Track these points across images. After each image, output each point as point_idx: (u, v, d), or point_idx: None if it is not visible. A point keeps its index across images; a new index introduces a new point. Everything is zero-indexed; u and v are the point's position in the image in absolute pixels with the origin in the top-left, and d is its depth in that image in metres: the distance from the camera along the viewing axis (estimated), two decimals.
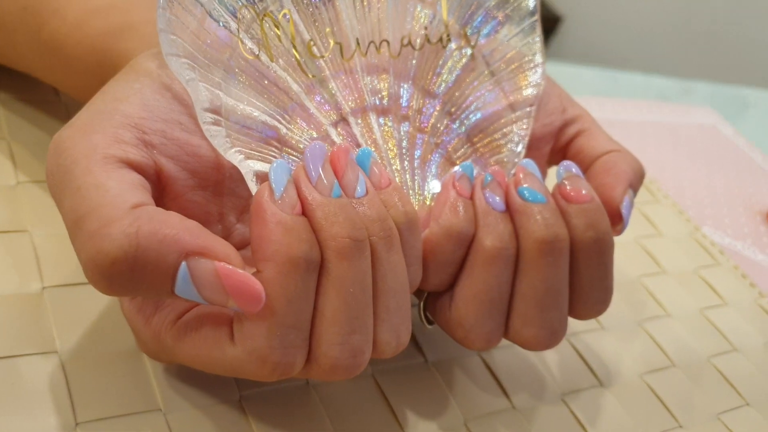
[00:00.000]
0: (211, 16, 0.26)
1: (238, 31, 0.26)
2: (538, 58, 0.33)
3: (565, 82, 0.66)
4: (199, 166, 0.25)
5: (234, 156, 0.25)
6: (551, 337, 0.28)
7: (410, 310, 0.26)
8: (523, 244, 0.28)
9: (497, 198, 0.28)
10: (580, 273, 0.29)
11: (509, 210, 0.28)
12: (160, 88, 0.24)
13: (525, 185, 0.28)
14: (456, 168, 0.29)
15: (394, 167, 0.30)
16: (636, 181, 0.32)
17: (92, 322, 0.28)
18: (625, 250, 0.45)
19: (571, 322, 0.37)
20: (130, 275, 0.21)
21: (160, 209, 0.22)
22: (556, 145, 0.34)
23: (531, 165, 0.29)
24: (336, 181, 0.24)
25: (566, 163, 0.29)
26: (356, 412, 0.29)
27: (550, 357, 0.36)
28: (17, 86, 0.36)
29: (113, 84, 0.24)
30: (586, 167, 0.32)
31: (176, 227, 0.21)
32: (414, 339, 0.33)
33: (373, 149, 0.29)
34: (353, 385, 0.30)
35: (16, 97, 0.36)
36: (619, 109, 0.62)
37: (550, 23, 1.82)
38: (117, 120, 0.23)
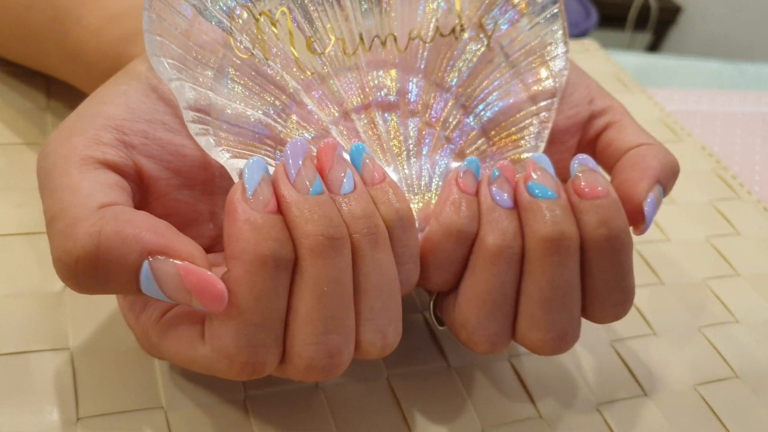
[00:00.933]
0: (203, 15, 0.26)
1: (231, 30, 0.26)
2: (561, 48, 0.31)
3: (686, 75, 0.63)
4: (183, 165, 0.25)
5: (220, 154, 0.25)
6: (559, 341, 0.27)
7: (400, 310, 0.25)
8: (528, 243, 0.26)
9: (504, 194, 0.27)
10: (593, 273, 0.27)
11: (517, 207, 0.27)
12: (147, 89, 0.25)
13: (535, 180, 0.27)
14: (462, 163, 0.28)
15: (399, 164, 0.29)
16: (666, 176, 0.29)
17: (107, 321, 0.29)
18: (690, 250, 0.42)
19: (617, 326, 0.35)
20: (95, 273, 0.21)
21: (127, 209, 0.22)
22: (583, 138, 0.32)
23: (543, 159, 0.27)
24: (318, 177, 0.24)
25: (581, 156, 0.28)
26: (365, 417, 0.29)
27: (589, 363, 0.34)
28: (67, 94, 0.38)
29: (103, 87, 0.25)
30: (614, 161, 0.30)
31: (139, 226, 0.21)
32: (437, 343, 0.32)
33: (376, 146, 0.29)
34: (366, 389, 0.30)
35: (66, 105, 0.38)
36: (747, 100, 0.58)
37: (669, 14, 1.73)
38: (99, 122, 0.23)
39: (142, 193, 0.24)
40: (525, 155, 0.30)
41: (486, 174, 0.27)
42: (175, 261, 0.21)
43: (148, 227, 0.21)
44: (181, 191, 0.25)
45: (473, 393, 0.31)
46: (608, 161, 0.31)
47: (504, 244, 0.26)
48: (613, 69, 0.57)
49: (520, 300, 0.27)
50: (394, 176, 0.29)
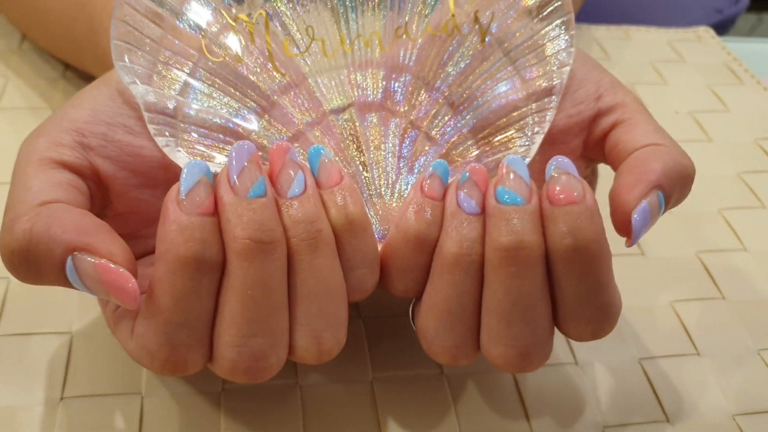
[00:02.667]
0: (178, 20, 0.27)
1: (203, 35, 0.27)
2: (565, 42, 0.29)
3: None
4: (142, 165, 0.26)
5: (177, 155, 0.26)
6: (522, 358, 0.25)
7: (342, 316, 0.25)
8: (487, 252, 0.24)
9: (472, 199, 0.25)
10: (562, 287, 0.25)
11: (484, 213, 0.25)
12: (115, 93, 0.26)
13: (505, 185, 0.25)
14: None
15: (376, 166, 0.28)
16: (671, 182, 0.26)
17: None
18: (763, 260, 0.37)
19: (651, 342, 0.32)
20: (27, 265, 0.23)
21: (65, 207, 0.23)
22: (589, 138, 0.29)
23: (516, 162, 0.25)
24: (261, 180, 0.24)
25: (558, 158, 0.25)
26: (336, 420, 0.28)
27: (607, 381, 0.31)
28: None
29: (80, 92, 0.27)
30: (619, 164, 0.28)
31: (67, 224, 0.22)
32: None
33: (354, 147, 0.28)
34: (345, 390, 0.29)
35: None
36: None
37: None
38: (62, 125, 0.25)
39: (103, 191, 0.26)
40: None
41: (456, 178, 0.26)
42: (93, 258, 0.22)
43: (74, 225, 0.23)
44: (142, 190, 0.26)
45: (461, 404, 0.29)
46: (614, 164, 0.28)
47: (461, 251, 0.25)
48: (726, 59, 0.52)
49: (481, 312, 0.25)
50: (363, 178, 0.28)
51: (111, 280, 0.22)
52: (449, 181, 0.26)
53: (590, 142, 0.29)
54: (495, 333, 0.25)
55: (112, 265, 0.22)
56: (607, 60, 0.50)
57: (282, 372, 0.29)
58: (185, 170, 0.23)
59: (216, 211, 0.23)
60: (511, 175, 0.25)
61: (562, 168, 0.25)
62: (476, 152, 0.29)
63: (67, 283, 0.23)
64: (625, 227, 0.26)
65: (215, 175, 0.24)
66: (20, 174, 0.24)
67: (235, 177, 0.23)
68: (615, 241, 0.36)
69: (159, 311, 0.23)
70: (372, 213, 0.28)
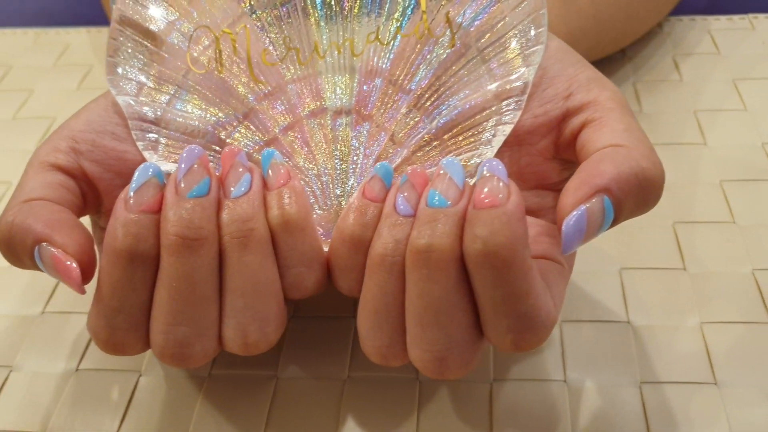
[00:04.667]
0: (169, 36, 0.30)
1: (188, 50, 0.30)
2: (539, 37, 0.27)
3: None
4: (125, 168, 0.29)
5: (152, 158, 0.29)
6: (438, 363, 0.24)
7: (271, 311, 0.26)
8: (406, 254, 0.24)
9: (408, 202, 0.25)
10: (478, 293, 0.24)
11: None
12: (108, 105, 0.29)
13: (435, 187, 0.25)
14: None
15: (342, 169, 0.29)
16: (624, 187, 0.24)
17: None
18: None
19: (660, 365, 0.30)
20: (9, 251, 0.27)
21: (44, 203, 0.27)
22: (560, 139, 0.27)
23: (450, 164, 0.25)
24: (204, 181, 0.26)
25: (489, 160, 0.24)
26: (299, 416, 0.29)
27: (594, 403, 0.29)
28: None
29: (84, 105, 0.30)
30: None
31: (40, 219, 0.26)
32: None
33: (324, 151, 0.29)
34: (318, 387, 0.30)
35: None
36: None
37: None
38: (62, 133, 0.29)
39: (92, 190, 0.29)
40: (473, 160, 0.28)
41: (397, 180, 0.26)
42: (51, 248, 0.26)
43: (45, 220, 0.26)
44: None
45: (426, 409, 0.29)
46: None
47: (385, 252, 0.25)
48: None
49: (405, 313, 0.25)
50: (350, 182, 0.29)
51: (61, 269, 0.25)
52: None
53: (561, 144, 0.28)
54: (412, 336, 0.25)
55: (62, 256, 0.25)
56: (716, 54, 0.46)
57: (264, 363, 0.31)
58: (137, 171, 0.26)
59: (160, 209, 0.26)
60: (443, 178, 0.25)
61: (490, 171, 0.24)
62: (439, 154, 0.28)
63: (37, 268, 0.27)
64: (557, 234, 0.24)
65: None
66: (23, 175, 0.28)
67: (180, 177, 0.26)
68: (659, 252, 0.33)
69: (100, 297, 0.26)
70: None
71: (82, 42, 0.52)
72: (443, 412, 0.29)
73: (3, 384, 0.31)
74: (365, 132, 0.29)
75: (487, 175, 0.24)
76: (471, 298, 0.24)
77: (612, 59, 0.45)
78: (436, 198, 0.24)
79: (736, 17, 0.49)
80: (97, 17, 0.54)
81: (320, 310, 0.33)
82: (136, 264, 0.25)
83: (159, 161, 0.29)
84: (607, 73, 0.44)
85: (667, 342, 0.31)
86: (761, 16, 0.49)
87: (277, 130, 0.29)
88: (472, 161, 0.28)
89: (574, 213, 0.23)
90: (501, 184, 0.24)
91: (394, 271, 0.25)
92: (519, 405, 0.29)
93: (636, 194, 0.24)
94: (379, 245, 0.25)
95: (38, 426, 0.30)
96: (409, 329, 0.25)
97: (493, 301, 0.24)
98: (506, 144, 0.28)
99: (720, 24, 0.48)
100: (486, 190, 0.24)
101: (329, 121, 0.29)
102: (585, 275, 0.34)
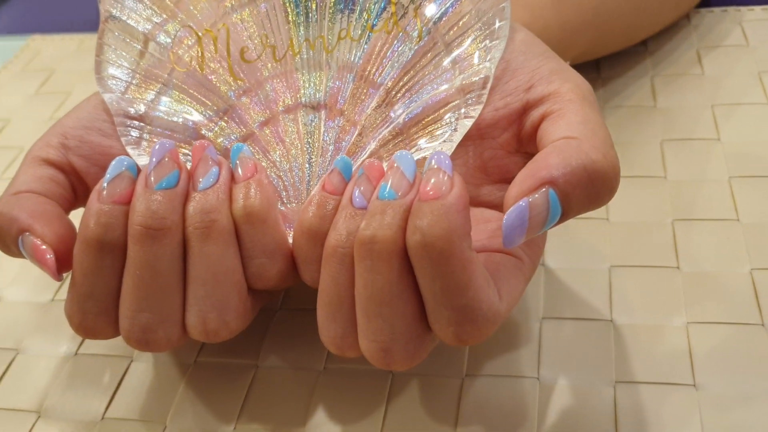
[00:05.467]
0: (153, 40, 0.31)
1: (171, 50, 0.31)
2: (501, 30, 0.27)
3: None
4: (109, 161, 0.30)
5: (132, 153, 0.30)
6: (383, 354, 0.25)
7: (232, 300, 0.26)
8: (354, 245, 0.25)
9: (363, 195, 0.26)
10: (420, 284, 0.24)
11: None
12: (98, 103, 0.31)
13: (386, 180, 0.25)
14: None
15: (313, 164, 0.29)
16: (568, 179, 0.23)
17: None
18: None
19: (639, 366, 0.29)
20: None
21: (31, 196, 0.28)
22: (522, 132, 0.27)
23: (402, 157, 0.25)
24: (172, 174, 0.27)
25: (436, 153, 0.24)
26: (273, 404, 0.30)
27: (563, 401, 0.28)
28: None
29: (80, 102, 0.32)
30: None
31: (23, 210, 0.28)
32: None
33: (297, 146, 0.30)
34: (295, 377, 0.31)
35: None
36: None
37: None
38: (55, 129, 0.31)
39: (82, 184, 0.31)
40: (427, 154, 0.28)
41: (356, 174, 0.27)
42: (33, 238, 0.27)
43: (29, 211, 0.28)
44: None
45: (395, 403, 0.29)
46: None
47: (337, 243, 0.25)
48: None
49: None
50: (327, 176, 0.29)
51: (38, 256, 0.27)
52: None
53: (523, 137, 0.27)
54: (361, 326, 0.25)
55: (39, 244, 0.27)
56: (743, 47, 0.44)
57: (246, 352, 0.32)
58: (111, 164, 0.27)
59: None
60: (395, 171, 0.25)
61: (437, 164, 0.24)
62: (405, 148, 0.28)
63: (23, 256, 0.28)
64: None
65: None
66: (18, 168, 0.30)
67: (150, 170, 0.27)
68: (653, 250, 0.32)
69: (74, 283, 0.27)
70: None
71: None
72: (411, 405, 0.29)
73: (8, 366, 0.34)
74: (336, 127, 0.30)
75: (435, 167, 0.24)
76: (416, 291, 0.24)
77: (631, 53, 0.44)
78: (386, 191, 0.25)
79: None
80: None
81: (305, 303, 0.34)
82: (105, 252, 0.26)
83: (141, 156, 0.30)
84: (624, 68, 0.44)
85: (649, 342, 0.30)
86: None
87: (255, 126, 0.30)
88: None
89: (516, 206, 0.23)
90: (445, 176, 0.24)
91: (345, 263, 0.25)
92: (488, 401, 0.29)
93: (585, 187, 0.24)
94: (332, 237, 0.25)
95: (35, 406, 0.32)
96: (357, 320, 0.25)
97: (433, 293, 0.24)
98: (469, 137, 0.28)
99: (754, 14, 0.46)
100: (432, 182, 0.24)
101: (302, 117, 0.30)
102: (572, 272, 0.33)
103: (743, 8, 0.47)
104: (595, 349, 0.30)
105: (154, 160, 0.27)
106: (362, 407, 0.29)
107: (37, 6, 0.63)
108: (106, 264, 0.27)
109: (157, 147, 0.27)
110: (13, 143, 0.47)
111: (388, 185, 0.25)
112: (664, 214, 0.35)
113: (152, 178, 0.26)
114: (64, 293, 0.37)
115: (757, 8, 0.47)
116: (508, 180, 0.28)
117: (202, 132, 0.30)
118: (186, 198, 0.27)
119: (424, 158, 0.28)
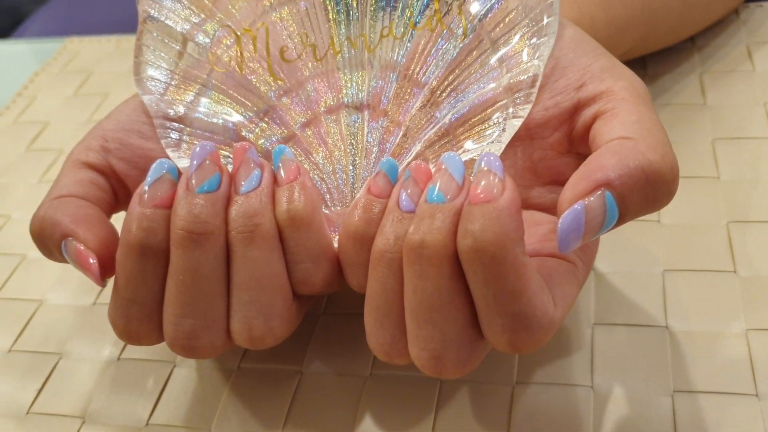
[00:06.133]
0: (192, 41, 0.31)
1: (210, 50, 0.30)
2: (550, 27, 0.26)
3: None
4: (150, 165, 0.30)
5: (172, 155, 0.29)
6: (435, 362, 0.24)
7: (277, 306, 0.26)
8: (403, 250, 0.24)
9: (410, 197, 0.25)
10: (472, 290, 0.23)
11: None
12: (137, 105, 0.31)
13: (435, 183, 0.24)
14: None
15: (357, 165, 0.29)
16: (627, 181, 0.22)
17: None
18: None
19: (697, 374, 0.28)
20: (41, 244, 0.28)
21: (72, 200, 0.28)
22: (573, 132, 0.26)
23: (450, 159, 0.24)
24: (214, 176, 0.26)
25: (486, 154, 0.24)
26: (319, 410, 0.29)
27: (620, 412, 0.27)
28: None
29: (119, 104, 0.32)
30: None
31: (66, 215, 0.27)
32: None
33: (341, 147, 0.29)
34: (340, 383, 0.30)
35: None
36: None
37: None
38: (95, 132, 0.30)
39: (123, 187, 0.30)
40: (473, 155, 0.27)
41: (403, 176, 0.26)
42: (76, 243, 0.27)
43: (72, 216, 0.27)
44: None
45: (444, 410, 0.29)
46: None
47: (384, 248, 0.25)
48: None
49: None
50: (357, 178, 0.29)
51: (81, 261, 0.27)
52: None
53: (575, 137, 0.26)
54: (411, 333, 0.24)
55: (83, 249, 0.27)
56: None
57: (290, 358, 0.32)
58: (152, 168, 0.27)
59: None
60: (443, 173, 0.24)
61: (487, 165, 0.23)
62: (452, 149, 0.28)
63: (65, 260, 0.28)
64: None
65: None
66: (60, 172, 0.30)
67: (191, 173, 0.26)
68: (708, 253, 0.31)
69: (116, 288, 0.27)
70: None
71: None
72: (461, 413, 0.28)
73: (52, 370, 0.33)
74: (380, 128, 0.29)
75: (485, 169, 0.23)
76: (468, 296, 0.24)
77: (679, 49, 0.43)
78: (435, 193, 0.24)
79: None
80: None
81: (349, 307, 0.33)
82: (147, 256, 0.26)
83: (181, 158, 0.30)
84: (672, 65, 0.42)
85: (707, 349, 0.29)
86: None
87: (296, 127, 0.30)
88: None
89: (571, 209, 0.22)
90: (496, 179, 0.23)
91: (393, 267, 0.24)
92: (540, 409, 0.28)
93: (642, 190, 0.23)
94: (379, 241, 0.25)
95: (79, 411, 0.31)
96: (408, 326, 0.25)
97: (486, 299, 0.23)
98: (518, 138, 0.27)
99: None
100: (483, 184, 0.23)
101: (344, 117, 0.29)
102: (625, 276, 0.32)
103: None
104: (650, 357, 0.29)
105: (194, 162, 0.26)
106: (411, 415, 0.29)
107: (74, 8, 0.63)
108: (148, 268, 0.26)
109: (197, 149, 0.27)
110: (53, 145, 0.47)
111: (437, 188, 0.24)
112: (718, 216, 0.34)
113: (193, 181, 0.26)
114: (105, 296, 0.36)
115: None
116: (558, 182, 0.27)
117: (243, 133, 0.30)
118: (228, 201, 0.26)
119: (472, 160, 0.27)
